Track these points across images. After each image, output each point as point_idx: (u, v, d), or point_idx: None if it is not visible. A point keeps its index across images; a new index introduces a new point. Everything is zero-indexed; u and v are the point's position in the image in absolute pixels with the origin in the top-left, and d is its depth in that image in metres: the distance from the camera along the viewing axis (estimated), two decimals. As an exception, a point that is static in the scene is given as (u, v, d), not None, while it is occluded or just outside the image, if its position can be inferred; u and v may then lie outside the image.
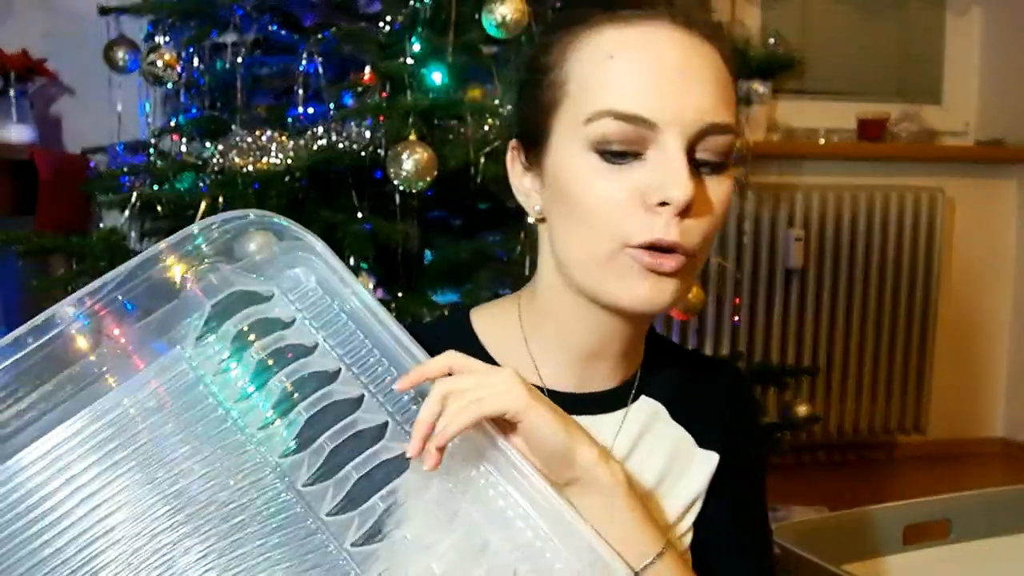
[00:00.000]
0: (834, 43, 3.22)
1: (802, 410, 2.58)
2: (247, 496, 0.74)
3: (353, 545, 0.72)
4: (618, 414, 0.81)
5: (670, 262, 0.71)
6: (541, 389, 0.78)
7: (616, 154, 0.71)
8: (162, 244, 0.79)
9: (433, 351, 0.74)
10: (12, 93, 2.30)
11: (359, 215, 1.64)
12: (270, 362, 0.78)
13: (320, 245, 0.80)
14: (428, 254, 1.80)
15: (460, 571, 0.71)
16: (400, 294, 1.68)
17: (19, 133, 2.31)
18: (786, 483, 2.67)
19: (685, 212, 0.70)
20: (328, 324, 0.79)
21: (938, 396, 3.19)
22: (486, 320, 0.84)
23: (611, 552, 0.70)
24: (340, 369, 0.77)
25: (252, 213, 0.80)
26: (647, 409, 0.83)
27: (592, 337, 0.79)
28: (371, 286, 1.63)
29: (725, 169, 0.74)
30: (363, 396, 0.76)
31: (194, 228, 0.80)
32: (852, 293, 3.06)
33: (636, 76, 0.71)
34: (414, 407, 0.74)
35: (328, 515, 0.73)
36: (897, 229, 3.06)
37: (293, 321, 0.79)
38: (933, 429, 3.19)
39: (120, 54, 1.85)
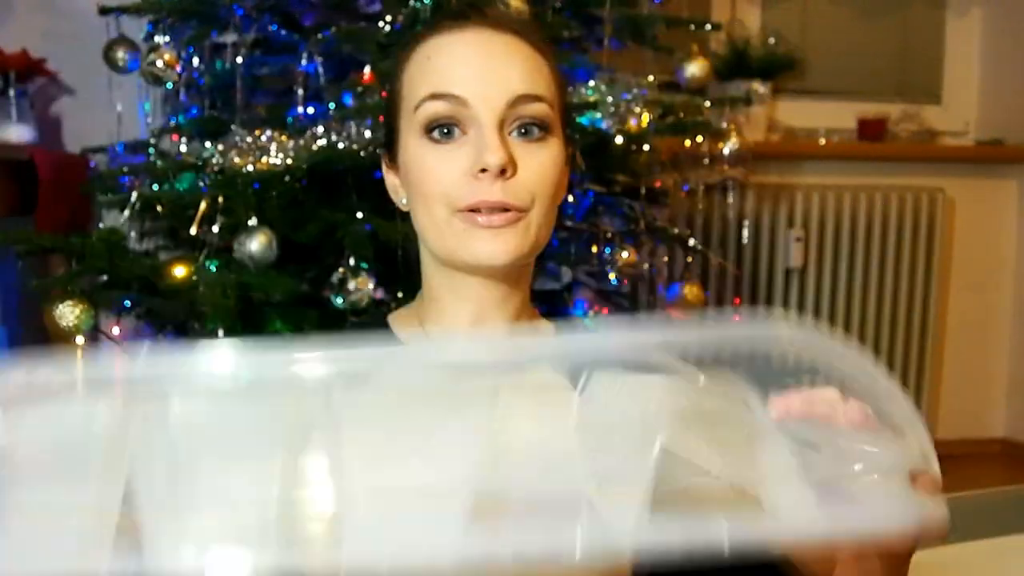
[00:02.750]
0: (834, 43, 3.22)
1: (802, 410, 2.58)
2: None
3: None
4: None
5: (499, 219, 0.81)
6: None
7: (442, 134, 0.83)
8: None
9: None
10: (12, 93, 2.29)
11: (359, 215, 1.63)
12: None
13: None
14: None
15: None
16: (400, 294, 1.68)
17: (19, 133, 2.31)
18: (786, 483, 2.66)
19: (506, 174, 0.81)
20: None
21: (938, 396, 3.19)
22: (400, 315, 0.95)
23: None
24: None
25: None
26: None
27: (469, 305, 0.88)
28: (371, 286, 1.63)
29: (544, 136, 0.84)
30: None
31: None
32: (852, 293, 3.05)
33: (448, 66, 0.84)
34: None
35: None
36: (897, 229, 3.05)
37: None
38: (933, 429, 3.17)
39: (120, 54, 1.84)
